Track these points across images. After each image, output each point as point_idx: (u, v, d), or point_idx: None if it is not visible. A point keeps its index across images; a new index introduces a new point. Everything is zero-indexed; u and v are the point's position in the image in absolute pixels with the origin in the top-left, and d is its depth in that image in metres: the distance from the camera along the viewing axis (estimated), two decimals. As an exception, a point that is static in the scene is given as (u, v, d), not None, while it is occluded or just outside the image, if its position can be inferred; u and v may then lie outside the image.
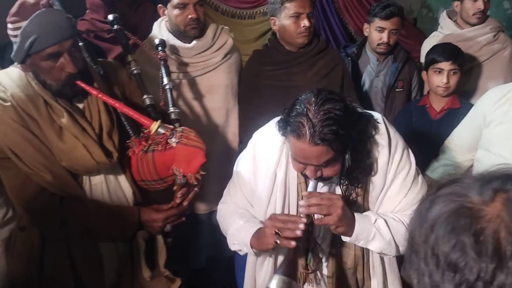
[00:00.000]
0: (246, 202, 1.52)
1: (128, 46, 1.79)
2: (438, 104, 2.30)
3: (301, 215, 1.26)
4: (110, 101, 1.47)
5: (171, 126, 1.52)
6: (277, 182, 1.41)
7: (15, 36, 1.38)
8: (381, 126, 1.35)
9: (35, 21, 1.35)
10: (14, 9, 1.40)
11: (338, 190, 1.37)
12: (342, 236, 1.33)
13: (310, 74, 2.16)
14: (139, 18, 2.47)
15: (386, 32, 2.36)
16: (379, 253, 1.37)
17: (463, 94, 2.43)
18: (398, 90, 2.46)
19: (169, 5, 2.04)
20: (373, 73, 2.49)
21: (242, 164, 1.53)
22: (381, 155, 1.34)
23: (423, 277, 0.63)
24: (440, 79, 2.22)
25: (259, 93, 2.18)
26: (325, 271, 1.46)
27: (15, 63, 1.49)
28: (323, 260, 1.46)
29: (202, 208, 2.25)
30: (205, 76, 2.13)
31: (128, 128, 1.57)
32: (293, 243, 1.22)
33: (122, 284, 1.67)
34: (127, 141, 1.55)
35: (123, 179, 1.61)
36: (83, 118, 1.49)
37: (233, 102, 2.22)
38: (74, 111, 1.49)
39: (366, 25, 2.49)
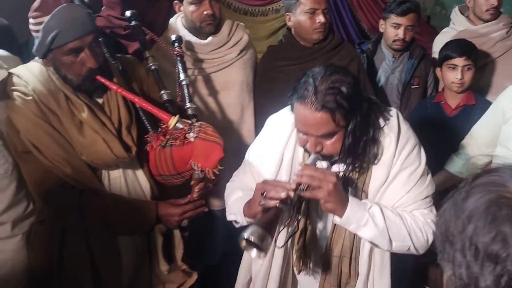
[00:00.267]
0: (254, 183, 1.52)
1: (146, 42, 1.80)
2: (453, 100, 2.29)
3: (291, 183, 1.25)
4: (130, 96, 1.49)
5: (189, 121, 1.53)
6: (284, 162, 1.41)
7: (37, 31, 1.40)
8: (393, 120, 1.34)
9: (56, 16, 1.36)
10: (36, 4, 1.42)
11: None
12: (334, 217, 1.31)
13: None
14: (155, 15, 2.49)
15: (402, 28, 2.35)
16: (370, 242, 1.33)
17: (478, 91, 2.41)
18: (413, 87, 2.44)
19: (184, 1, 2.05)
20: (389, 70, 2.47)
21: (253, 146, 1.56)
22: (387, 147, 1.33)
23: (459, 268, 0.61)
24: (454, 75, 2.20)
25: (273, 88, 2.18)
26: (316, 258, 1.45)
27: (36, 58, 1.51)
28: (314, 241, 1.44)
29: (216, 204, 2.26)
30: (221, 72, 2.14)
31: (146, 123, 1.58)
32: (275, 203, 1.20)
33: (139, 278, 1.69)
34: (145, 136, 1.57)
35: (141, 174, 1.63)
36: (103, 113, 1.51)
37: (248, 98, 2.23)
38: (94, 105, 1.50)
39: (381, 22, 2.47)
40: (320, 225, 1.44)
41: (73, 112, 1.46)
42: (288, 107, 1.35)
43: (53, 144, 1.45)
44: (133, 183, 1.62)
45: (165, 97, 1.67)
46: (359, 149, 1.29)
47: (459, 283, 0.62)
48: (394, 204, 1.35)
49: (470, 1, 2.54)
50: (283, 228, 1.32)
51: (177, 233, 1.66)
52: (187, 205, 1.60)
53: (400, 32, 2.35)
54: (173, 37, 1.92)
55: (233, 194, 1.51)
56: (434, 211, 1.38)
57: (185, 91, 1.77)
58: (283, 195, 1.20)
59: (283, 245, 1.36)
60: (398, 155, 1.33)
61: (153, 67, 1.72)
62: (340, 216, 1.26)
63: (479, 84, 2.48)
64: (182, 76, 1.80)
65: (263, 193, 1.25)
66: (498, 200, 0.60)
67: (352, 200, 1.27)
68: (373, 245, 1.34)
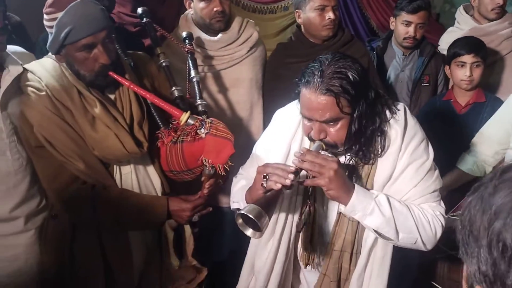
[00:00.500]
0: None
1: (157, 39, 1.81)
2: (463, 98, 2.28)
3: (292, 166, 1.24)
4: (142, 92, 1.50)
5: (200, 117, 1.54)
6: (291, 154, 1.40)
7: (51, 27, 1.41)
8: (400, 113, 1.34)
9: (70, 12, 1.37)
10: (50, 0, 1.43)
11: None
12: (339, 206, 1.30)
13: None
14: (165, 12, 2.50)
15: (412, 26, 2.34)
16: (375, 232, 1.31)
17: (488, 88, 2.40)
18: (424, 84, 2.43)
19: (195, -2, 2.05)
20: (399, 68, 2.47)
21: (261, 140, 1.56)
22: (394, 140, 1.32)
23: (484, 265, 0.60)
24: (463, 72, 2.19)
25: (282, 86, 2.17)
26: (320, 252, 1.45)
27: (49, 54, 1.53)
28: (320, 234, 1.44)
29: (225, 201, 2.26)
30: (230, 69, 2.14)
31: (157, 119, 1.59)
32: (278, 185, 1.19)
33: (150, 273, 1.70)
34: (157, 132, 1.58)
35: (152, 170, 1.64)
36: (115, 109, 1.52)
37: (257, 95, 2.23)
38: (106, 101, 1.51)
39: (392, 19, 2.47)
40: (324, 218, 1.44)
41: (86, 107, 1.47)
42: (296, 101, 1.35)
43: (66, 139, 1.46)
44: (144, 179, 1.63)
45: (176, 93, 1.68)
46: (365, 139, 1.28)
47: (483, 279, 0.61)
48: (401, 198, 1.34)
49: (475, 0, 2.53)
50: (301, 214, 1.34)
51: (187, 229, 1.67)
52: (197, 200, 1.61)
53: (411, 30, 2.35)
54: (183, 34, 1.92)
55: (238, 183, 1.52)
56: (443, 204, 1.37)
57: (196, 87, 1.78)
58: (287, 182, 1.19)
59: (301, 228, 1.38)
60: (405, 148, 1.32)
61: (164, 64, 1.73)
62: (345, 204, 1.25)
63: (489, 81, 2.47)
64: (192, 73, 1.80)
65: (265, 176, 1.24)
66: None
67: (358, 188, 1.26)
68: (379, 235, 1.31)
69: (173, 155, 1.55)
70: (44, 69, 1.48)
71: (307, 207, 1.40)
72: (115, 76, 1.46)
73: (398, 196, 1.34)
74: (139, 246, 1.67)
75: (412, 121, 1.36)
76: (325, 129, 1.26)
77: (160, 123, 1.59)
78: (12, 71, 1.48)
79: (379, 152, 1.32)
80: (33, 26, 2.07)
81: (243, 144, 2.17)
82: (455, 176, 2.08)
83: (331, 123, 1.25)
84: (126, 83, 1.48)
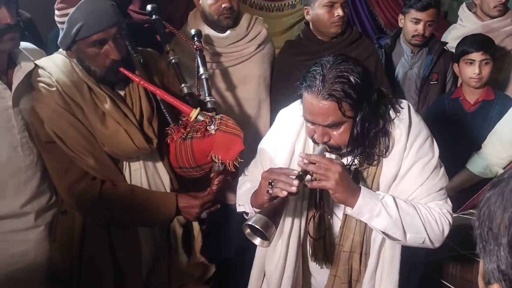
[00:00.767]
0: None
1: (166, 36, 1.82)
2: (471, 96, 2.26)
3: (296, 170, 1.24)
4: (152, 88, 1.50)
5: (210, 114, 1.54)
6: (295, 155, 1.40)
7: (62, 22, 1.41)
8: (404, 112, 1.32)
9: (81, 8, 1.37)
10: (61, -4, 1.43)
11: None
12: (346, 208, 1.29)
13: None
14: (174, 8, 2.50)
15: (421, 23, 2.33)
16: (383, 233, 1.30)
17: (497, 86, 2.38)
18: (432, 82, 2.42)
19: (203, -5, 2.05)
20: (407, 65, 2.45)
21: (265, 140, 1.55)
22: (398, 139, 1.31)
23: (504, 264, 0.58)
24: (472, 70, 2.18)
25: (290, 83, 2.16)
26: (328, 253, 1.45)
27: (60, 50, 1.53)
28: (328, 235, 1.44)
29: (233, 198, 2.26)
30: (238, 66, 2.14)
31: (167, 115, 1.59)
32: (284, 193, 1.19)
33: (158, 269, 1.70)
34: (166, 128, 1.58)
35: (161, 166, 1.64)
36: (125, 105, 1.52)
37: (265, 93, 2.23)
38: (116, 97, 1.51)
39: (401, 16, 2.46)
40: (331, 220, 1.43)
41: (96, 103, 1.48)
42: (299, 101, 1.35)
43: (76, 134, 1.46)
44: (153, 175, 1.63)
45: (185, 90, 1.68)
46: (369, 141, 1.28)
47: (502, 278, 0.59)
48: (408, 197, 1.33)
49: None
50: (310, 219, 1.35)
51: (196, 226, 1.67)
52: (206, 197, 1.61)
53: (420, 28, 2.34)
54: (192, 32, 1.92)
55: (243, 186, 1.52)
56: (449, 202, 1.36)
57: (205, 85, 1.78)
58: (293, 189, 1.19)
59: (321, 236, 1.39)
60: (410, 147, 1.31)
61: (173, 61, 1.73)
62: (352, 206, 1.24)
63: (498, 78, 2.45)
64: (201, 70, 1.80)
65: (270, 182, 1.24)
66: None
67: (364, 190, 1.25)
68: (387, 236, 1.31)
69: (183, 152, 1.55)
70: (54, 65, 1.49)
71: (318, 213, 1.40)
72: (126, 72, 1.46)
73: (405, 195, 1.33)
74: (148, 242, 1.67)
75: (416, 119, 1.35)
76: (328, 132, 1.26)
77: (169, 120, 1.59)
78: (24, 68, 1.49)
79: (384, 153, 1.31)
80: (42, 23, 2.08)
81: (251, 142, 2.17)
82: (465, 177, 2.08)
83: (334, 127, 1.24)
84: (137, 79, 1.48)
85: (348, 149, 1.29)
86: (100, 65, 1.45)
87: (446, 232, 1.32)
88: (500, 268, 0.59)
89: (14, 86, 1.48)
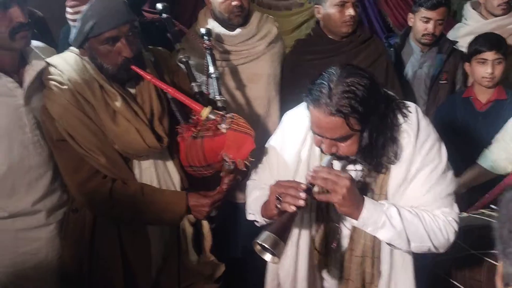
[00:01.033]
0: (273, 181, 1.52)
1: (177, 35, 1.81)
2: (483, 95, 2.25)
3: (303, 184, 1.24)
4: (163, 86, 1.50)
5: (221, 112, 1.53)
6: (301, 162, 1.40)
7: (74, 20, 1.42)
8: (412, 116, 1.31)
9: (94, 6, 1.38)
10: (73, -6, 1.44)
11: (353, 174, 1.34)
12: (351, 220, 1.29)
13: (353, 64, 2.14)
14: (183, 7, 2.49)
15: (431, 22, 2.32)
16: (388, 244, 1.31)
17: (509, 85, 2.36)
18: (442, 82, 2.40)
19: (214, -7, 2.05)
20: (417, 64, 2.44)
21: (270, 144, 1.54)
22: (406, 145, 1.29)
23: None
24: (484, 69, 2.16)
25: (300, 83, 2.15)
26: (339, 258, 1.45)
27: (71, 48, 1.53)
28: (334, 243, 1.43)
29: (241, 197, 2.25)
30: (248, 64, 2.13)
31: (177, 114, 1.59)
32: (292, 208, 1.19)
33: (168, 268, 1.70)
34: (177, 127, 1.57)
35: (171, 165, 1.64)
36: (135, 103, 1.52)
37: (275, 91, 2.22)
38: (127, 95, 1.51)
39: (410, 15, 2.44)
40: (340, 226, 1.43)
41: (107, 101, 1.48)
42: (305, 104, 1.33)
43: (87, 132, 1.47)
44: (163, 174, 1.63)
45: (196, 89, 1.67)
46: (377, 150, 1.27)
47: None
48: (414, 203, 1.32)
49: None
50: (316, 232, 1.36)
51: (205, 224, 1.67)
52: (216, 196, 1.60)
53: (430, 26, 2.32)
54: (203, 30, 1.92)
55: (252, 193, 1.51)
56: (456, 208, 1.35)
57: (215, 83, 1.77)
58: (301, 203, 1.19)
59: (336, 246, 1.40)
60: (418, 152, 1.30)
61: (184, 59, 1.73)
62: (356, 218, 1.24)
63: (510, 78, 2.43)
64: (211, 69, 1.80)
65: (278, 197, 1.24)
66: None
67: (368, 202, 1.25)
68: (391, 246, 1.32)
69: (193, 150, 1.54)
70: (66, 63, 1.49)
71: (328, 224, 1.40)
72: (138, 70, 1.46)
73: (412, 201, 1.32)
74: (157, 241, 1.67)
75: (424, 123, 1.33)
76: (336, 143, 1.25)
77: (180, 118, 1.59)
78: (36, 66, 1.50)
79: (392, 160, 1.30)
80: (53, 21, 2.08)
81: (260, 141, 2.16)
82: (476, 173, 2.06)
83: (342, 140, 1.23)
84: (148, 77, 1.48)
85: (356, 158, 1.29)
86: (112, 63, 1.45)
87: (452, 239, 1.31)
88: None
89: (25, 85, 1.49)
